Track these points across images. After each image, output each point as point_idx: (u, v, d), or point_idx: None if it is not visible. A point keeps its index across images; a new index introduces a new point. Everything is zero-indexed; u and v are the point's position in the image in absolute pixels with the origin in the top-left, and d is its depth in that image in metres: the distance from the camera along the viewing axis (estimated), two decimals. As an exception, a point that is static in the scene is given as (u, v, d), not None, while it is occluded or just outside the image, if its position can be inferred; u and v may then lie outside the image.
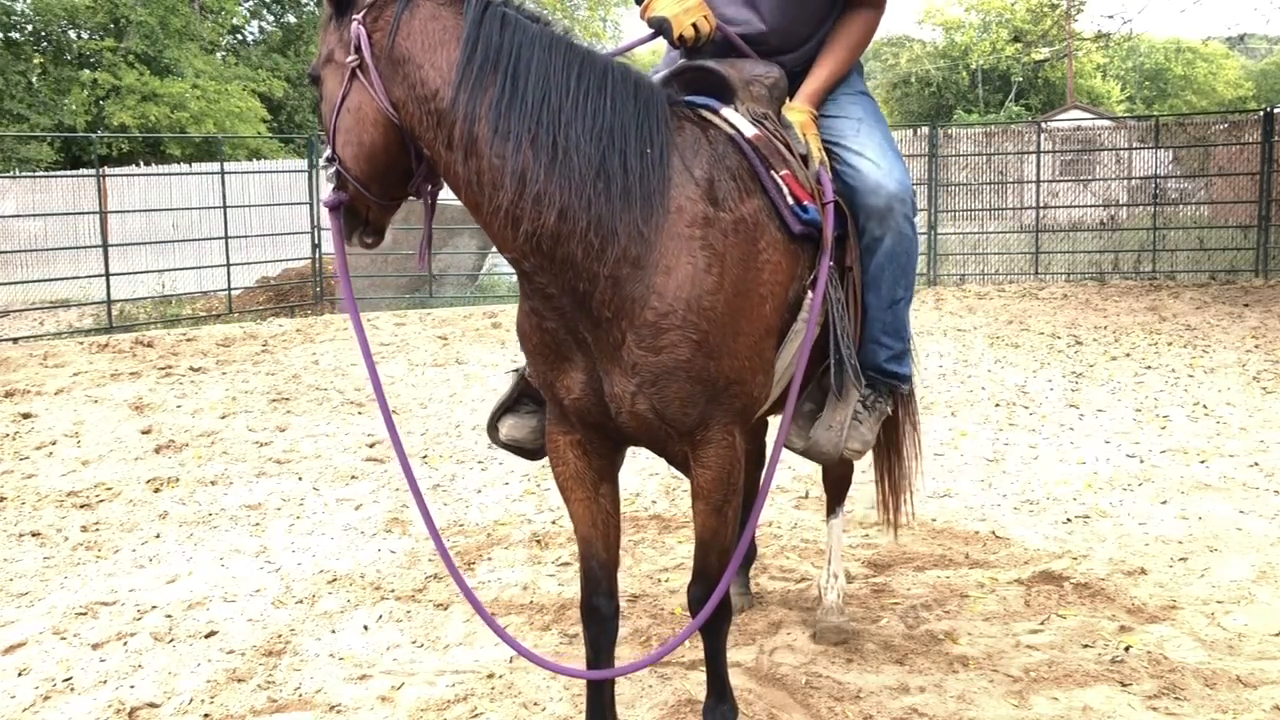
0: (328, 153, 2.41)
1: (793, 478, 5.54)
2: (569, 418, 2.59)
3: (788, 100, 2.84)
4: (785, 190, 2.58)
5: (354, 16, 2.30)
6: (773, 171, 2.58)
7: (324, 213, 14.10)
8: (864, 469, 5.27)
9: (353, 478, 5.79)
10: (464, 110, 2.20)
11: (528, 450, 2.93)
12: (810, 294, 2.61)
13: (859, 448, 2.87)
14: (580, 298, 2.31)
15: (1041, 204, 15.19)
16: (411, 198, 2.51)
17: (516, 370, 2.95)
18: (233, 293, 14.01)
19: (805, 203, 2.60)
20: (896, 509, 3.74)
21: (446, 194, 2.51)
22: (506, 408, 2.95)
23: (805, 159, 2.69)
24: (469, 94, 2.19)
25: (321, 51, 2.43)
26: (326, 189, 2.44)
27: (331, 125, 2.38)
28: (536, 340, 2.52)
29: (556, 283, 2.31)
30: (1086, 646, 3.42)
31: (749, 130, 2.60)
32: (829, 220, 2.65)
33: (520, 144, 2.18)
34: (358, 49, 2.28)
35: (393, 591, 4.11)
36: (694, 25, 2.69)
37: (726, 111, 2.64)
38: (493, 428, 2.96)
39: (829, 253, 2.62)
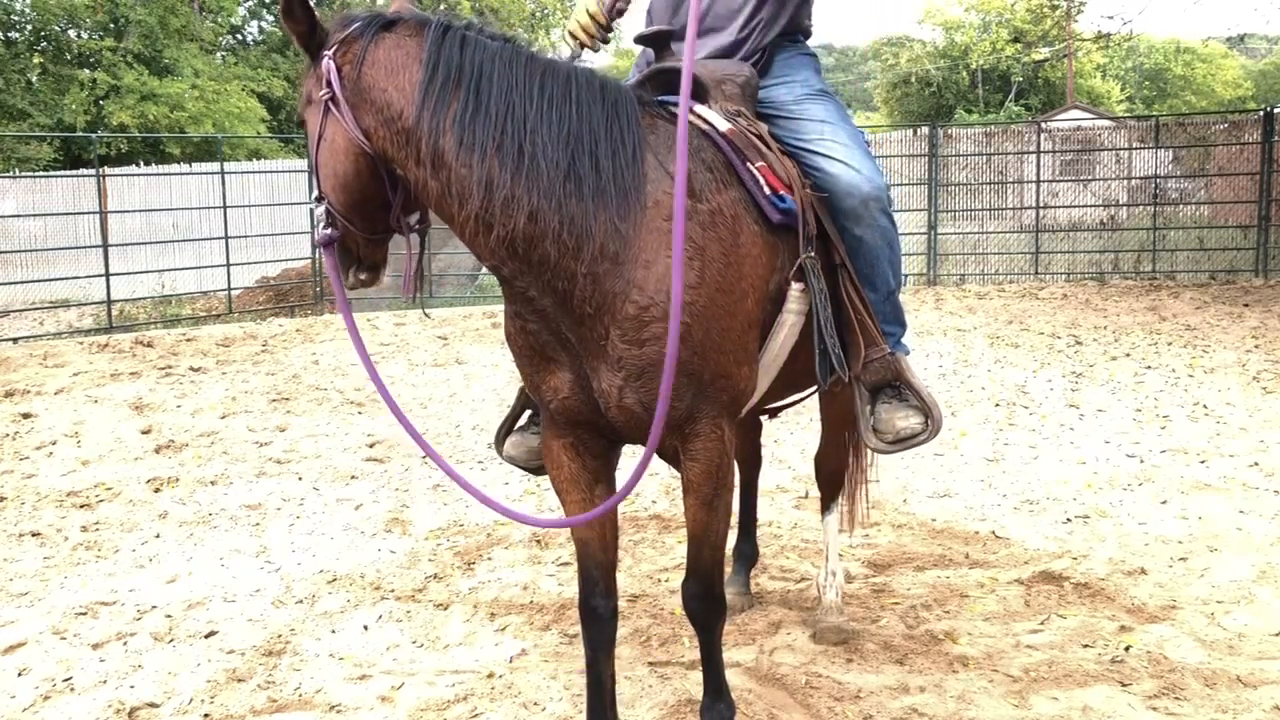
0: (316, 191, 2.43)
1: (793, 478, 5.54)
2: (560, 420, 2.60)
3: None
4: (762, 181, 2.60)
5: (325, 53, 2.35)
6: (749, 164, 2.60)
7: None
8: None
9: (353, 478, 5.79)
10: (428, 125, 2.24)
11: (528, 468, 3.02)
12: (792, 285, 2.62)
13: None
14: (561, 296, 2.34)
15: (1041, 204, 15.19)
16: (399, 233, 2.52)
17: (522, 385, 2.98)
18: (233, 293, 14.01)
19: (781, 193, 2.61)
20: (854, 501, 3.81)
21: None
22: (512, 425, 3.04)
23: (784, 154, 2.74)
24: (432, 110, 2.24)
25: (303, 94, 2.48)
26: (318, 227, 2.45)
27: (314, 161, 2.41)
28: (522, 343, 2.56)
29: (536, 284, 2.34)
30: (1086, 646, 3.42)
31: (723, 125, 2.63)
32: (808, 208, 2.68)
33: (485, 153, 2.23)
34: (329, 83, 2.32)
35: (393, 591, 4.11)
36: (578, 23, 2.79)
37: (700, 108, 2.67)
38: (499, 442, 3.06)
39: (811, 242, 2.64)
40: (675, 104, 2.67)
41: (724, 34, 2.99)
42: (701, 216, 2.43)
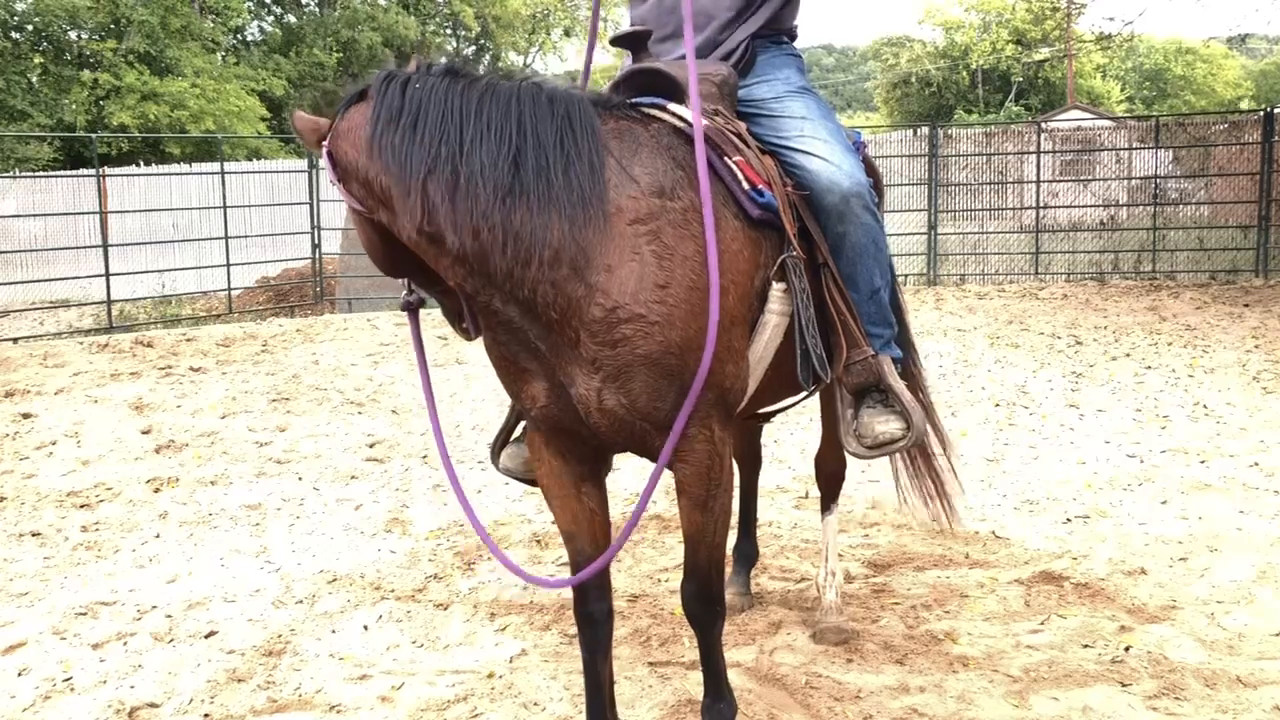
0: None
1: (793, 478, 5.54)
2: (544, 427, 2.62)
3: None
4: (740, 176, 2.59)
5: (324, 145, 2.43)
6: (725, 158, 2.59)
7: (323, 212, 13.94)
8: (863, 469, 5.29)
9: (353, 478, 5.79)
10: (372, 167, 2.32)
11: (524, 479, 3.01)
12: (774, 285, 2.61)
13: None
14: (524, 305, 2.36)
15: (1041, 204, 15.18)
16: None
17: None
18: (233, 293, 14.01)
19: (760, 187, 2.61)
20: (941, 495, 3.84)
21: None
22: (507, 437, 3.04)
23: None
24: (373, 152, 2.32)
25: None
26: (402, 294, 2.63)
27: None
28: (496, 354, 2.59)
29: (500, 296, 2.36)
30: (1086, 646, 3.42)
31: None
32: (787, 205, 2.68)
33: (418, 179, 2.29)
34: (329, 170, 2.42)
35: (393, 591, 4.11)
36: None
37: (674, 106, 2.67)
38: (495, 455, 3.05)
39: (793, 240, 2.64)
40: (648, 103, 2.70)
41: (701, 34, 2.97)
42: (673, 215, 2.41)
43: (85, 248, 14.40)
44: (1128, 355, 8.81)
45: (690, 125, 2.59)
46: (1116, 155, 15.62)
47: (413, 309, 2.61)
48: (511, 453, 3.01)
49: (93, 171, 15.00)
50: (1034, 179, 15.28)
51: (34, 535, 4.90)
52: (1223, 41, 37.38)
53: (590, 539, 2.70)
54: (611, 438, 2.51)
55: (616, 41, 2.97)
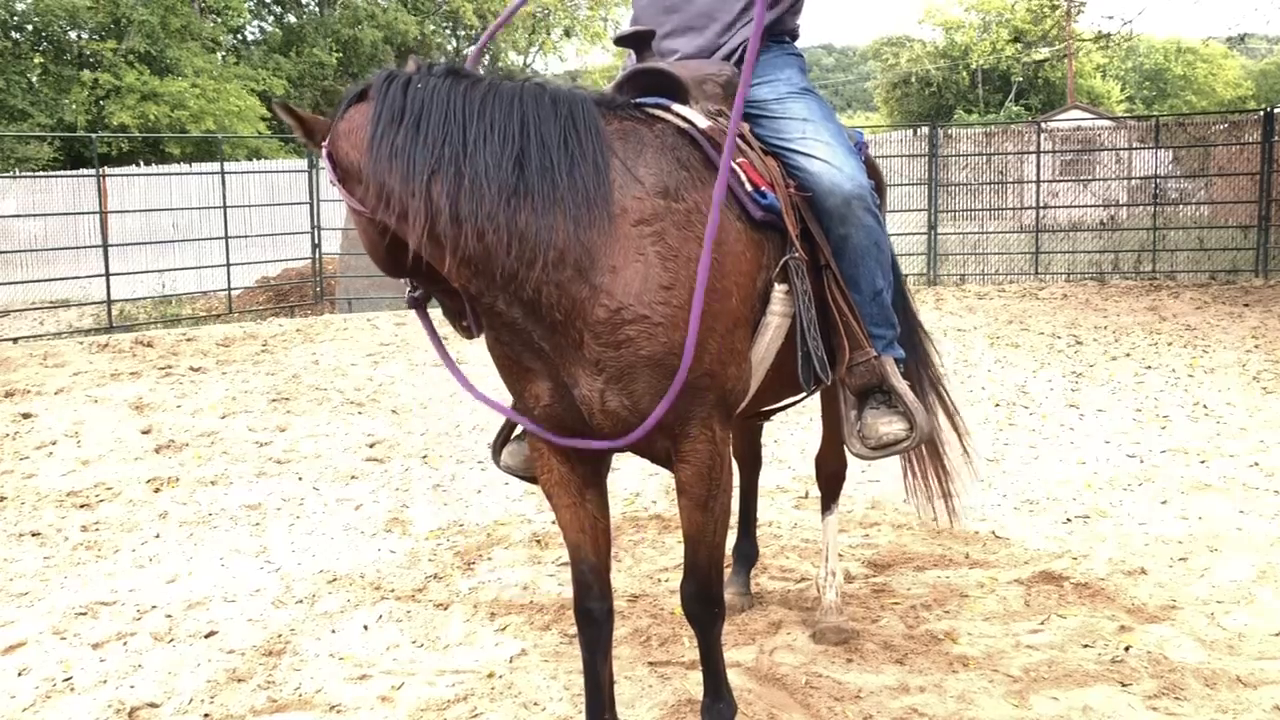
0: None
1: (793, 478, 5.54)
2: (546, 427, 2.61)
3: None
4: (743, 177, 2.60)
5: (323, 144, 2.41)
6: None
7: (323, 212, 13.91)
8: (863, 469, 5.29)
9: (353, 478, 5.79)
10: (374, 168, 2.30)
11: (524, 478, 3.01)
12: (776, 287, 2.62)
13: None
14: (529, 306, 2.35)
15: (1041, 204, 15.18)
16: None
17: None
18: (233, 293, 14.01)
19: (763, 189, 2.61)
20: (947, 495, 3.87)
21: None
22: (508, 435, 3.04)
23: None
24: (376, 152, 2.30)
25: None
26: (406, 290, 2.63)
27: None
28: (499, 353, 2.59)
29: (504, 297, 2.36)
30: (1086, 646, 3.42)
31: (702, 123, 2.62)
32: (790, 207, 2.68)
33: (422, 181, 2.28)
34: (329, 169, 2.42)
35: (393, 591, 4.11)
36: None
37: (678, 107, 2.67)
38: (496, 453, 3.05)
39: (795, 242, 2.64)
40: (651, 103, 2.71)
41: (703, 34, 2.98)
42: (677, 216, 2.41)
43: (85, 248, 14.40)
44: (1128, 355, 8.81)
45: (695, 126, 2.60)
46: (1116, 155, 15.62)
47: (419, 304, 2.61)
48: (513, 450, 3.01)
49: (93, 171, 14.99)
50: (1034, 179, 15.28)
51: (34, 535, 4.90)
52: (1222, 41, 37.39)
53: (594, 547, 2.71)
54: (614, 439, 2.51)
55: (620, 41, 2.96)
